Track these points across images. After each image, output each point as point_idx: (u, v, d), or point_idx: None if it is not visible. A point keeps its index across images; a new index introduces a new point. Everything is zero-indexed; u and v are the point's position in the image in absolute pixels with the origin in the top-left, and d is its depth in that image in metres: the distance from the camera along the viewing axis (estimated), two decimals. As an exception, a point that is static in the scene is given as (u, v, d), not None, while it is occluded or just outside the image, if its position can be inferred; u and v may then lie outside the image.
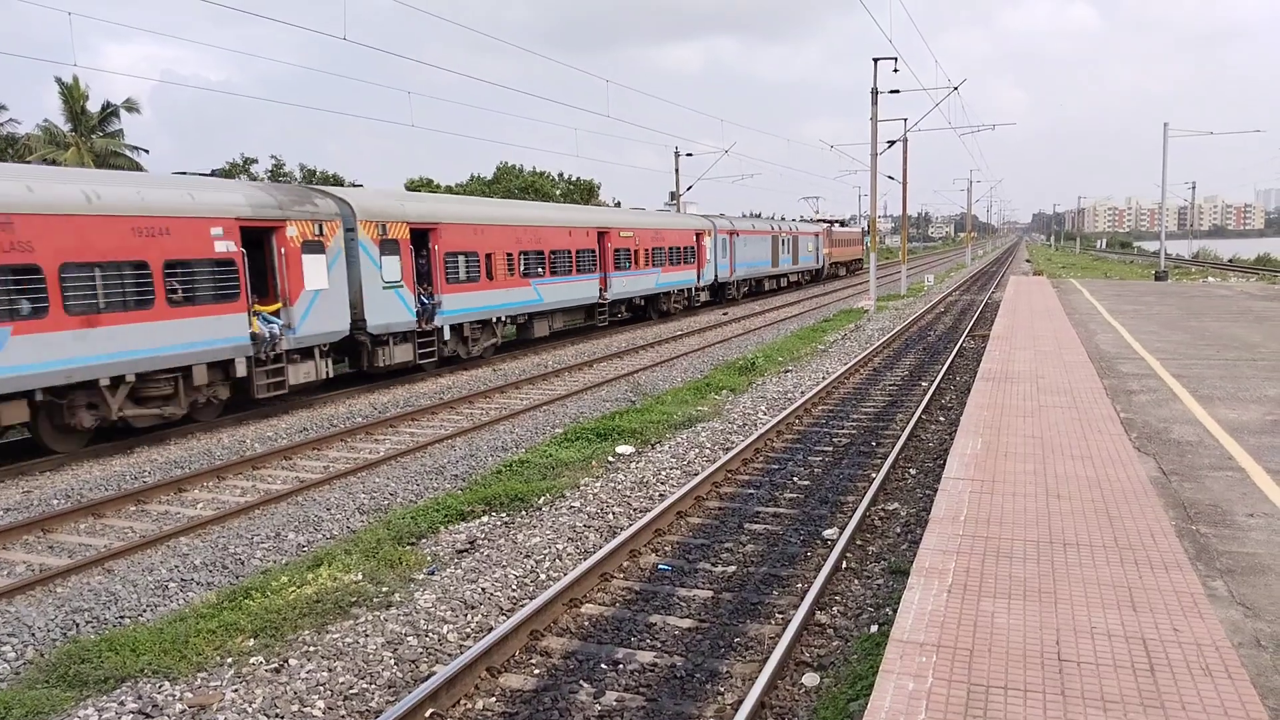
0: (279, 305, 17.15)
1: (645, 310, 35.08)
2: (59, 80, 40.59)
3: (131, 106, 42.97)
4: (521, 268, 25.01)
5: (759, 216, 56.25)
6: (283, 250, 17.11)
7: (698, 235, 37.73)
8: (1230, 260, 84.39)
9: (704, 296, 39.32)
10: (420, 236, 21.35)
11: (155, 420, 15.25)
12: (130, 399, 14.76)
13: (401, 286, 20.34)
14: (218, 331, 15.74)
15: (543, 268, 26.11)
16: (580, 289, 28.52)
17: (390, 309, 20.05)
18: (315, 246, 17.85)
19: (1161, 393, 12.81)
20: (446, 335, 22.16)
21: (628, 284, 31.84)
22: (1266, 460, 9.04)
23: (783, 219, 55.01)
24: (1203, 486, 8.22)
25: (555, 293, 26.94)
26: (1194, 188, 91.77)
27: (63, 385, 13.46)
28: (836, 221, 70.79)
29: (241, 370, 16.36)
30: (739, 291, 43.78)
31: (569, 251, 27.64)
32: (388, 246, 19.97)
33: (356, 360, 20.37)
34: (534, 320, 26.31)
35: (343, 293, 18.60)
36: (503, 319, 24.55)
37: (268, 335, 16.67)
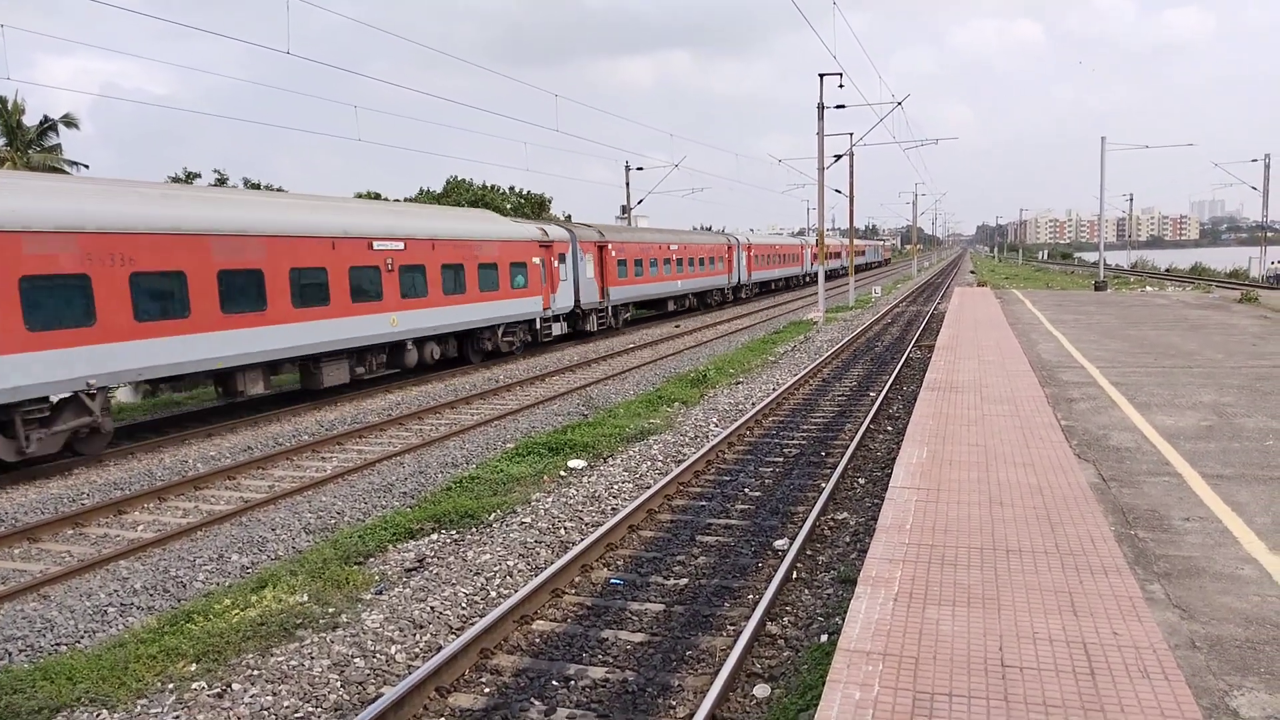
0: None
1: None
2: (-8, 94, 39.59)
3: (70, 121, 42.06)
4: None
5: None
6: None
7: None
8: (1167, 270, 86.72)
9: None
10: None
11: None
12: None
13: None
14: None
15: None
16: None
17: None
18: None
19: (1101, 400, 13.10)
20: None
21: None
22: (1202, 465, 9.28)
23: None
24: (1141, 492, 8.42)
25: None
26: (1131, 200, 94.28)
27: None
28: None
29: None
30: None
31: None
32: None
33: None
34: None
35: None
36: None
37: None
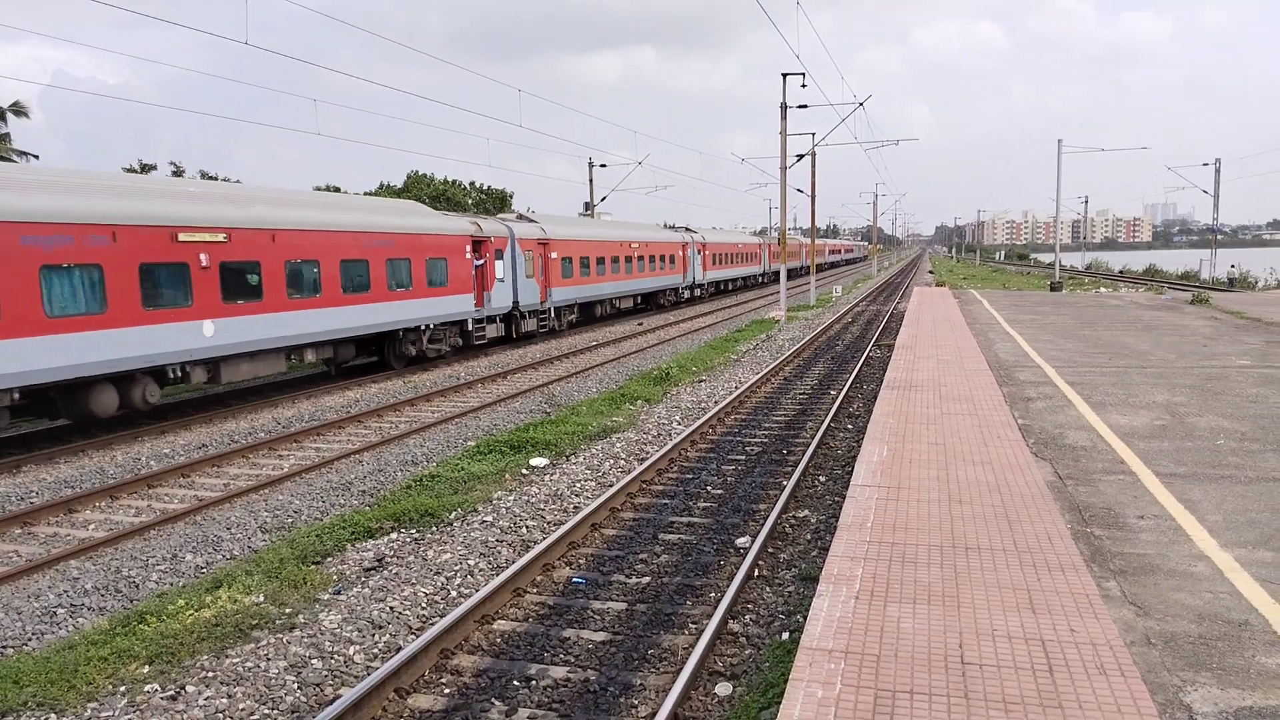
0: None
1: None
2: (-66, 81, 38.50)
3: (19, 110, 40.99)
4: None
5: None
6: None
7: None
8: (1121, 271, 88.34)
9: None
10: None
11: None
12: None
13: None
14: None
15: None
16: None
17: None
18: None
19: (1057, 400, 13.29)
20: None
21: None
22: (1155, 464, 9.45)
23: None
24: (1096, 490, 8.55)
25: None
26: (1086, 202, 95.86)
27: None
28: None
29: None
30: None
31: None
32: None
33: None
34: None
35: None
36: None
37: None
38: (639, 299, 42.97)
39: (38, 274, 14.24)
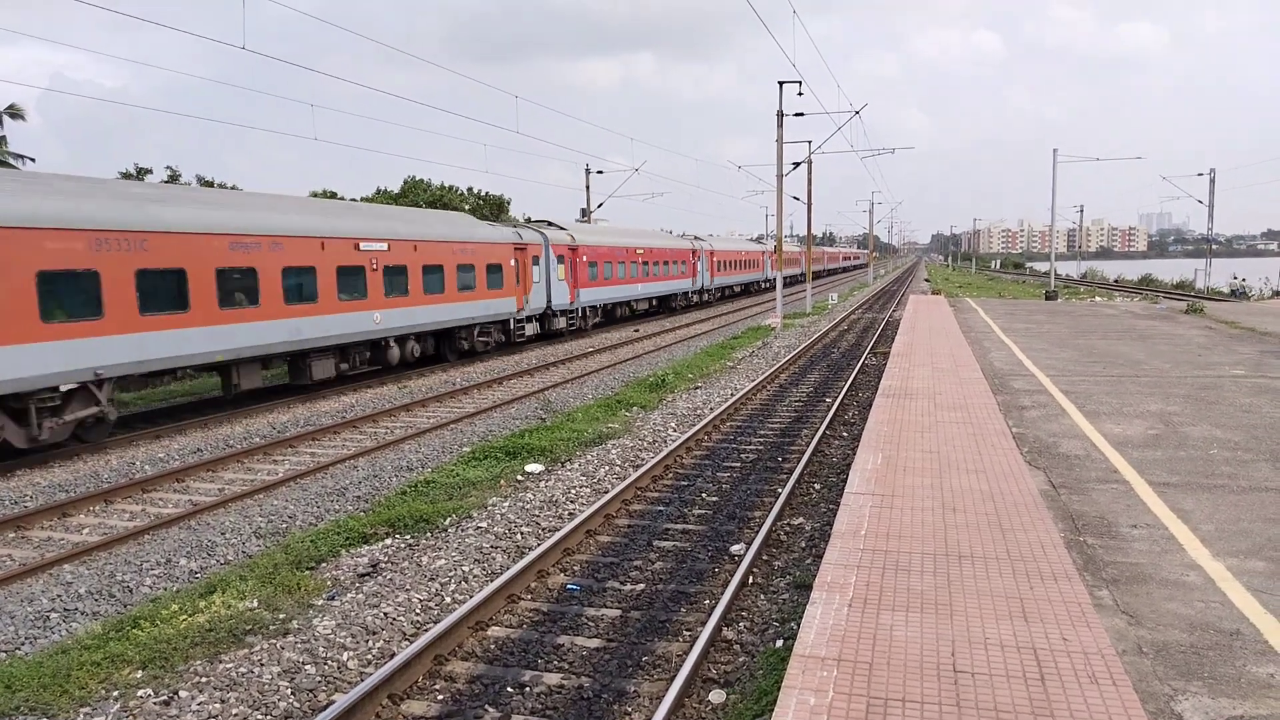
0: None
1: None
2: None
3: (16, 112, 40.93)
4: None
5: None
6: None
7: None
8: (1116, 280, 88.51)
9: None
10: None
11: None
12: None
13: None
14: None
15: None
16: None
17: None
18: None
19: (1051, 408, 13.33)
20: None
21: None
22: (1149, 473, 9.48)
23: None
24: (1090, 499, 8.57)
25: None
26: (1082, 211, 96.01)
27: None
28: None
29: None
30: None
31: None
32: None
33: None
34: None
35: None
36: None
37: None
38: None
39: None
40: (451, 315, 25.63)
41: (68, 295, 14.58)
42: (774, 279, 69.27)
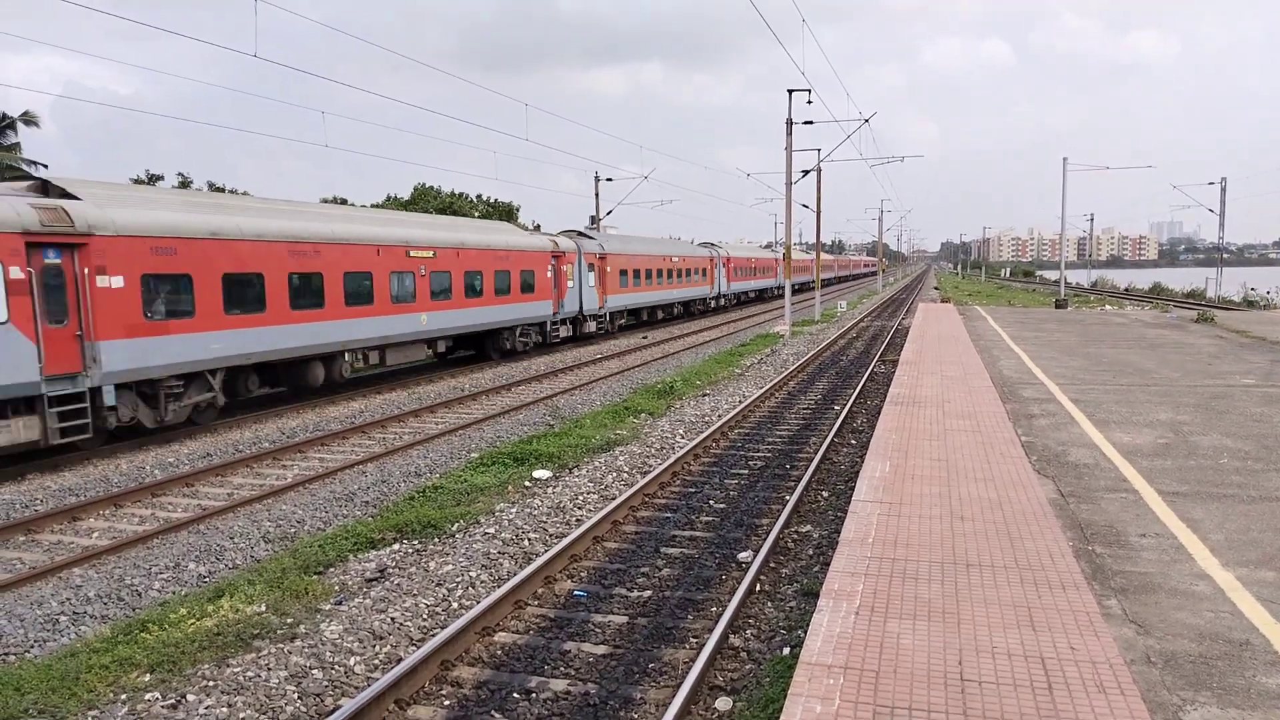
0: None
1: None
2: (-52, 91, 38.83)
3: (30, 119, 41.25)
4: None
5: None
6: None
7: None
8: (1126, 289, 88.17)
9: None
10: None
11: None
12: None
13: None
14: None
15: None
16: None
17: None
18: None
19: (1060, 417, 13.28)
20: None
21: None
22: (1158, 483, 9.44)
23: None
24: (1099, 508, 8.54)
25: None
26: (1092, 220, 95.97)
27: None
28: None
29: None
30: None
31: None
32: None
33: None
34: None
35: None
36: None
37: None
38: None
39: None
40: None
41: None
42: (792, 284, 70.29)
